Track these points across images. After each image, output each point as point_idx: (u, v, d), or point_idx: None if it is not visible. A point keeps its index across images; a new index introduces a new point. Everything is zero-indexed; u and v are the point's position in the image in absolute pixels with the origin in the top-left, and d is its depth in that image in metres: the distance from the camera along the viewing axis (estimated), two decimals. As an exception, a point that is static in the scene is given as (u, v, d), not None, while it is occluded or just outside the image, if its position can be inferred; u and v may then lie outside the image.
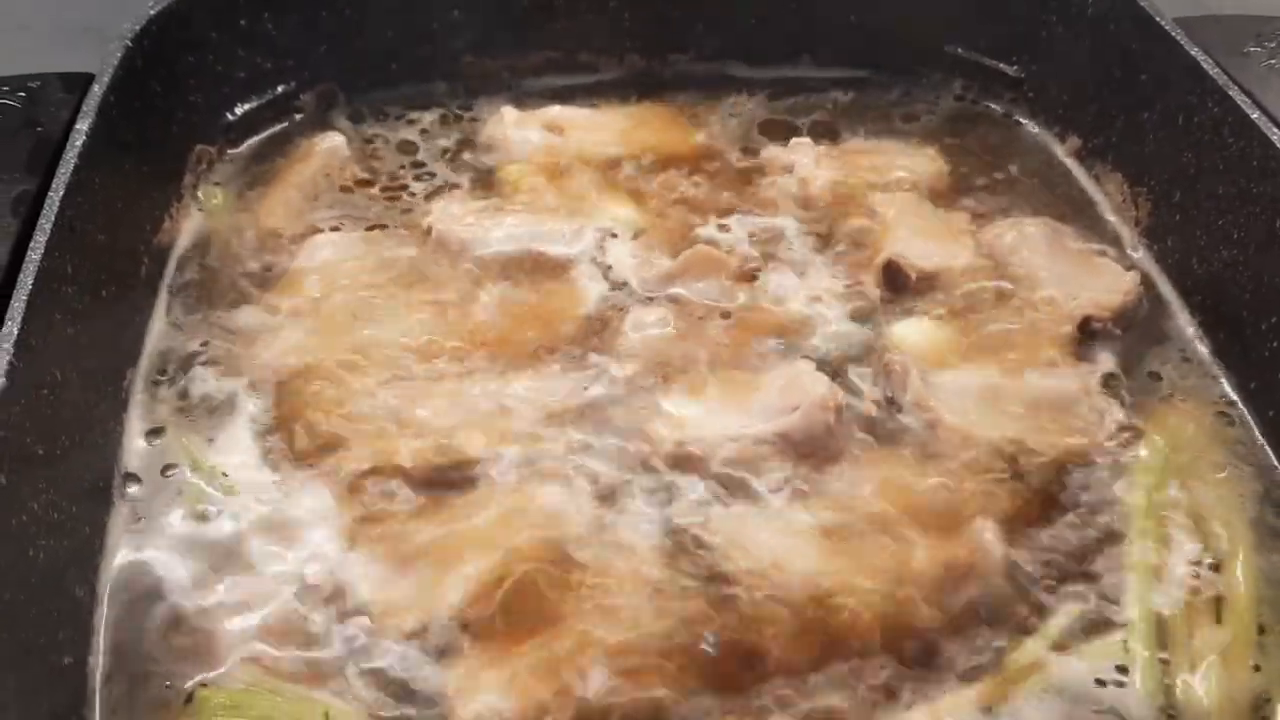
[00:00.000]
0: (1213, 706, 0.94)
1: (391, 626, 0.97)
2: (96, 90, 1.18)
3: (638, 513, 1.06)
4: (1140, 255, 1.35)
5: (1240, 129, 1.20)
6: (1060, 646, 0.98)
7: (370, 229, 1.34)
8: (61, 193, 1.06)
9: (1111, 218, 1.40)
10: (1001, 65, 1.54)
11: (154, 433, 1.12)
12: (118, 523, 1.04)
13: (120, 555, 1.01)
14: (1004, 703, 0.94)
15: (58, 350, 1.00)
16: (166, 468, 1.09)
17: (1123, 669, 0.97)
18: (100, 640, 0.95)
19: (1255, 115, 1.19)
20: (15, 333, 0.93)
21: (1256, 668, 0.97)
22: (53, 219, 1.03)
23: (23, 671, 0.84)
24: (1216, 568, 1.04)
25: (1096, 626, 1.00)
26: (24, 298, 0.96)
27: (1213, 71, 1.25)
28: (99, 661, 0.94)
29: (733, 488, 1.08)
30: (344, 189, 1.40)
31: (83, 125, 1.14)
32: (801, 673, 0.96)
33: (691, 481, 1.08)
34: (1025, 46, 1.52)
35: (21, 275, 0.98)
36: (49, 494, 0.94)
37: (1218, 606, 1.01)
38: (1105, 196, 1.43)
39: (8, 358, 0.91)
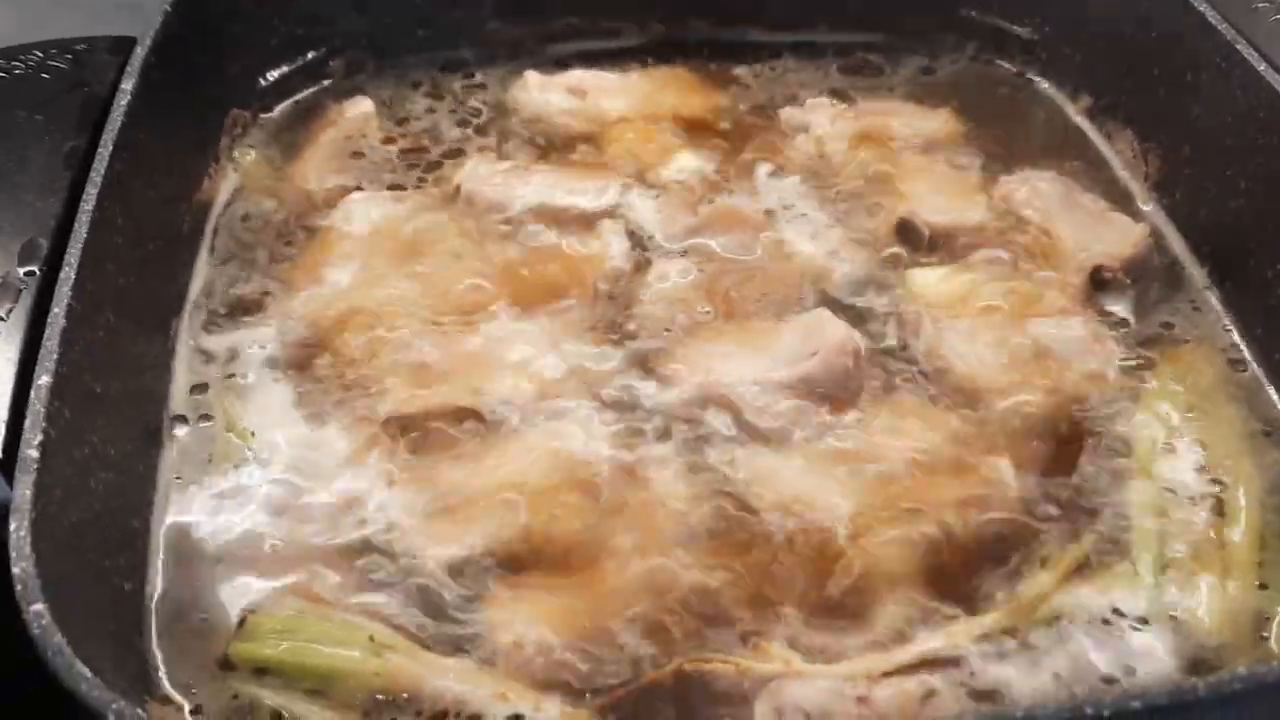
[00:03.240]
0: (1214, 627, 0.97)
1: (431, 559, 1.00)
2: (139, 52, 1.22)
3: (664, 455, 1.09)
4: (1150, 209, 1.37)
5: (1248, 83, 1.23)
6: (1070, 576, 1.00)
7: (400, 189, 1.38)
8: (110, 148, 1.09)
9: (1122, 173, 1.42)
10: (1014, 27, 1.56)
11: (196, 379, 1.15)
12: (168, 462, 1.07)
13: (172, 492, 1.05)
14: (1015, 632, 0.96)
15: (110, 296, 1.04)
16: (206, 415, 1.12)
17: (1130, 597, 0.99)
18: (155, 569, 0.99)
19: (1263, 69, 1.21)
20: (73, 276, 0.97)
21: (1262, 586, 1.00)
22: (102, 172, 1.07)
23: (87, 591, 0.88)
24: (1222, 500, 1.06)
25: (1105, 555, 1.02)
26: (79, 245, 1.00)
27: (1221, 27, 1.27)
28: (155, 589, 0.98)
29: (756, 429, 1.11)
30: (372, 153, 1.43)
31: (127, 85, 1.17)
32: (823, 605, 0.99)
33: (716, 424, 1.11)
34: (1038, 8, 1.54)
35: (76, 224, 1.02)
36: (106, 430, 0.98)
37: (1223, 532, 1.04)
38: (1116, 153, 1.44)
39: (67, 299, 0.95)
